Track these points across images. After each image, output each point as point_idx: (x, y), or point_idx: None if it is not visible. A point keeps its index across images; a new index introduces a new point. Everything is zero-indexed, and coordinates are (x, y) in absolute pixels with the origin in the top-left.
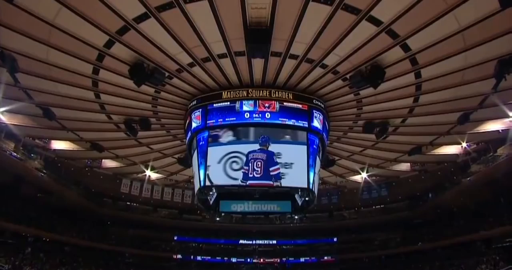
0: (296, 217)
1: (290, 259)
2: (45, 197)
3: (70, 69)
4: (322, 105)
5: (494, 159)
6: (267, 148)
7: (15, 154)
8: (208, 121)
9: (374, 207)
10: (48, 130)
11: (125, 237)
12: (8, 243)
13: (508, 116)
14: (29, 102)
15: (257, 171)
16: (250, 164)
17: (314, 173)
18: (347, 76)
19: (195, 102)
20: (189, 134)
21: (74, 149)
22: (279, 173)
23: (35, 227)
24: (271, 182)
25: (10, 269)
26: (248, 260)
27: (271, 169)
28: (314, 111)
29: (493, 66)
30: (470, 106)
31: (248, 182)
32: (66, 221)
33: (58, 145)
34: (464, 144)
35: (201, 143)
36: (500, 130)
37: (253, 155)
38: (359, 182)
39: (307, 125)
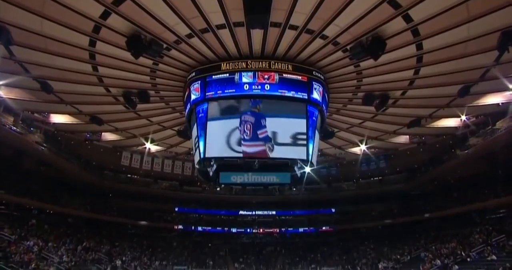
0: (295, 188)
1: (289, 229)
2: (47, 170)
3: (66, 42)
4: (322, 77)
5: (493, 132)
6: (259, 110)
7: (14, 128)
8: (207, 93)
9: (372, 179)
10: (46, 104)
11: (126, 209)
12: (12, 215)
13: (508, 90)
14: (26, 76)
15: (247, 133)
16: (241, 126)
17: (313, 144)
18: (348, 47)
19: (194, 74)
20: (188, 106)
21: (74, 122)
22: (267, 136)
23: (38, 200)
24: (263, 146)
25: (16, 240)
26: (248, 230)
27: (258, 132)
28: (313, 83)
29: (497, 38)
30: (471, 79)
31: (242, 145)
32: (68, 194)
33: (57, 118)
34: (463, 117)
35: (200, 115)
36: (500, 104)
37: (244, 117)
38: (357, 154)
39: (306, 97)
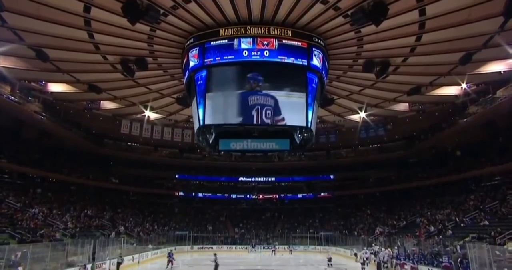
0: (294, 155)
1: (288, 195)
2: (47, 139)
3: (59, 7)
4: (322, 43)
5: (493, 100)
6: (260, 88)
7: (12, 97)
8: (205, 60)
9: (371, 146)
10: (43, 73)
11: (128, 177)
12: (16, 183)
13: (511, 57)
14: (20, 43)
15: (267, 115)
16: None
17: (313, 111)
18: (348, 13)
19: (192, 40)
20: (187, 73)
21: (72, 91)
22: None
23: (40, 169)
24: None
25: (22, 207)
26: (248, 196)
27: (275, 118)
28: (313, 49)
29: (502, 4)
30: (474, 46)
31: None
32: (70, 162)
33: (55, 87)
34: (464, 85)
35: (199, 82)
36: (502, 72)
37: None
38: (357, 121)
39: (306, 64)
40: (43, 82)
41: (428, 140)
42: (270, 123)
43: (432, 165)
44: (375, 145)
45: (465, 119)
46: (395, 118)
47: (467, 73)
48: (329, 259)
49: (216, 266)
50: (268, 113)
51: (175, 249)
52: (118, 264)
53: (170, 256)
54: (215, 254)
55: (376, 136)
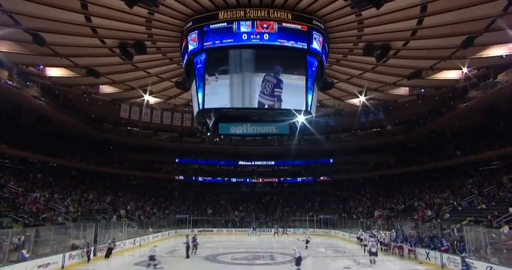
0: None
1: (287, 179)
2: (47, 124)
3: None
4: (322, 27)
5: (494, 85)
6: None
7: (10, 82)
8: (205, 43)
9: (370, 130)
10: (40, 57)
11: (128, 161)
12: (17, 168)
13: None
14: (16, 27)
15: (267, 89)
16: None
17: (313, 95)
18: None
19: (190, 23)
20: (186, 57)
21: (70, 76)
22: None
23: (41, 154)
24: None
25: (23, 192)
26: (248, 180)
27: (276, 90)
28: (313, 32)
29: None
30: (476, 29)
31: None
32: (70, 147)
33: (53, 72)
34: (464, 69)
35: (198, 66)
36: (504, 56)
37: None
38: (357, 105)
39: (306, 47)
40: (41, 66)
41: (428, 124)
42: (269, 102)
43: (431, 149)
44: (375, 129)
45: (465, 104)
46: (395, 102)
47: (468, 57)
48: (307, 241)
49: (188, 247)
50: (268, 88)
51: (192, 231)
52: (110, 249)
53: (194, 241)
54: (187, 236)
55: (375, 120)
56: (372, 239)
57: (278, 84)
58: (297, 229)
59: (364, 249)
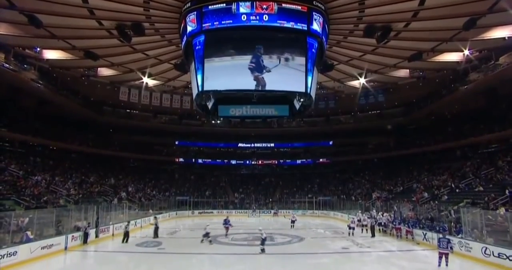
0: (293, 121)
1: (287, 161)
2: (46, 107)
3: None
4: (323, 7)
5: (495, 67)
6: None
7: (7, 65)
8: (203, 25)
9: (370, 112)
10: (37, 39)
11: (128, 143)
12: (18, 151)
13: None
14: (11, 8)
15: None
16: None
17: (312, 77)
18: None
19: (189, 4)
20: (185, 38)
21: (68, 58)
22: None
23: (41, 137)
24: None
25: (24, 175)
26: (247, 162)
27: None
28: (314, 13)
29: None
30: (479, 11)
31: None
32: (70, 130)
33: (50, 54)
34: (466, 51)
35: (197, 48)
36: (506, 38)
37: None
38: (356, 87)
39: (306, 29)
40: (38, 49)
41: (428, 106)
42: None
43: (430, 131)
44: (374, 111)
45: (465, 87)
46: (395, 84)
47: (470, 39)
48: (293, 221)
49: (156, 228)
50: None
51: (224, 212)
52: (127, 233)
53: (226, 223)
54: (155, 217)
55: (375, 102)
56: (367, 218)
57: (277, 65)
58: (296, 210)
59: (362, 229)
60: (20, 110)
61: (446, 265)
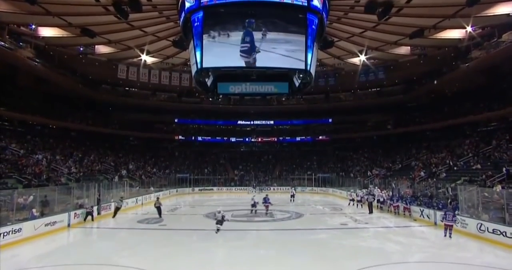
0: (293, 98)
1: (286, 138)
2: (44, 86)
3: None
4: None
5: (498, 44)
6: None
7: (2, 42)
8: (202, 1)
9: (370, 90)
10: (32, 16)
11: (127, 122)
12: (17, 130)
13: None
14: None
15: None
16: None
17: (312, 54)
18: None
19: None
20: (183, 15)
21: (64, 35)
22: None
23: (40, 116)
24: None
25: (25, 154)
26: (247, 139)
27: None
28: None
29: None
30: None
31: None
32: (69, 109)
33: (46, 31)
34: (468, 28)
35: (196, 24)
36: (510, 14)
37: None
38: (357, 65)
39: (306, 4)
40: (33, 26)
41: (428, 84)
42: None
43: (430, 109)
44: (374, 89)
45: (467, 64)
46: (395, 62)
47: (473, 15)
48: (292, 196)
49: (159, 208)
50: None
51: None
52: (117, 209)
53: (266, 201)
54: (158, 198)
55: (375, 80)
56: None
57: (277, 42)
58: (296, 187)
59: (357, 205)
60: (18, 89)
61: (450, 237)
